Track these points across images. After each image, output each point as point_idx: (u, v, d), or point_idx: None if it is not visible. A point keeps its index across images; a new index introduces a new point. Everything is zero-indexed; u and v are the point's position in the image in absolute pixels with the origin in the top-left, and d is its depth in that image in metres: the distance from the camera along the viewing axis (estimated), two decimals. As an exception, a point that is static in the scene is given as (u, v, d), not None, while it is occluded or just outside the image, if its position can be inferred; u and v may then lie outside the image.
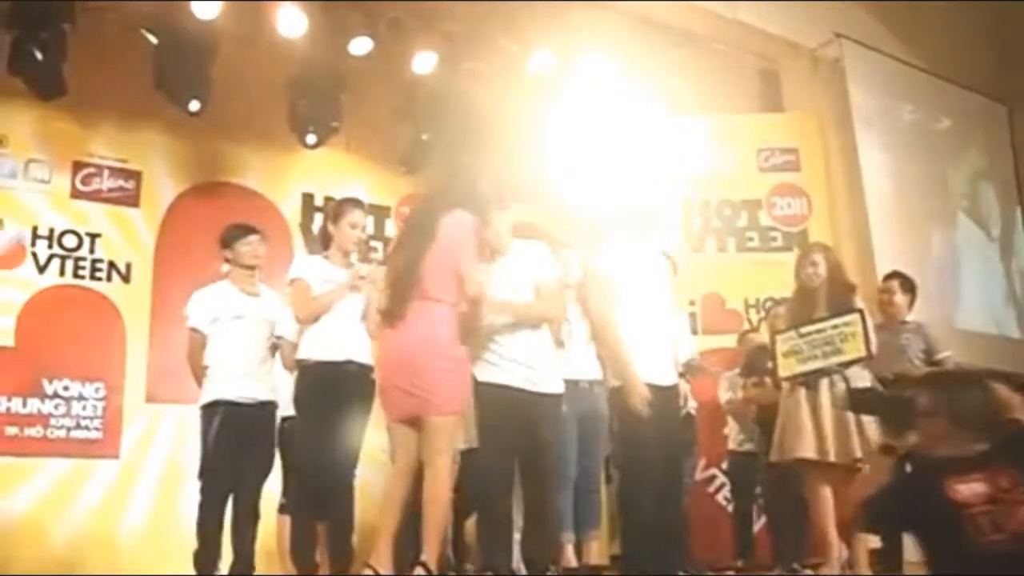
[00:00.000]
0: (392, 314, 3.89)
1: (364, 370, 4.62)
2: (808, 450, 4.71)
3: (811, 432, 4.73)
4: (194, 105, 6.60)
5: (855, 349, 4.78)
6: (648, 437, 4.40)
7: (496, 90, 7.28)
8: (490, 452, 4.15)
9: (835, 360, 4.78)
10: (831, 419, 4.70)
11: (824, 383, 4.80)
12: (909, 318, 5.59)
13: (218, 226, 5.18)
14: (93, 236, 6.68)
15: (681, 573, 4.51)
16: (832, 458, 4.65)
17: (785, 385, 4.98)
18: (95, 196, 6.74)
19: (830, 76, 7.79)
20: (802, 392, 4.83)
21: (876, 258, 7.27)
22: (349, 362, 4.57)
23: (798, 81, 7.97)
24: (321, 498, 4.52)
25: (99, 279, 6.65)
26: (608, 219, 4.75)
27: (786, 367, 4.92)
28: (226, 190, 7.12)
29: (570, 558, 4.81)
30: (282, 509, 5.17)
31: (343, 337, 4.59)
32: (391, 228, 7.64)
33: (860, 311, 4.84)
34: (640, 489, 4.42)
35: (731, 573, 5.11)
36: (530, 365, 4.22)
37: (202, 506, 4.66)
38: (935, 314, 7.66)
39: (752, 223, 7.56)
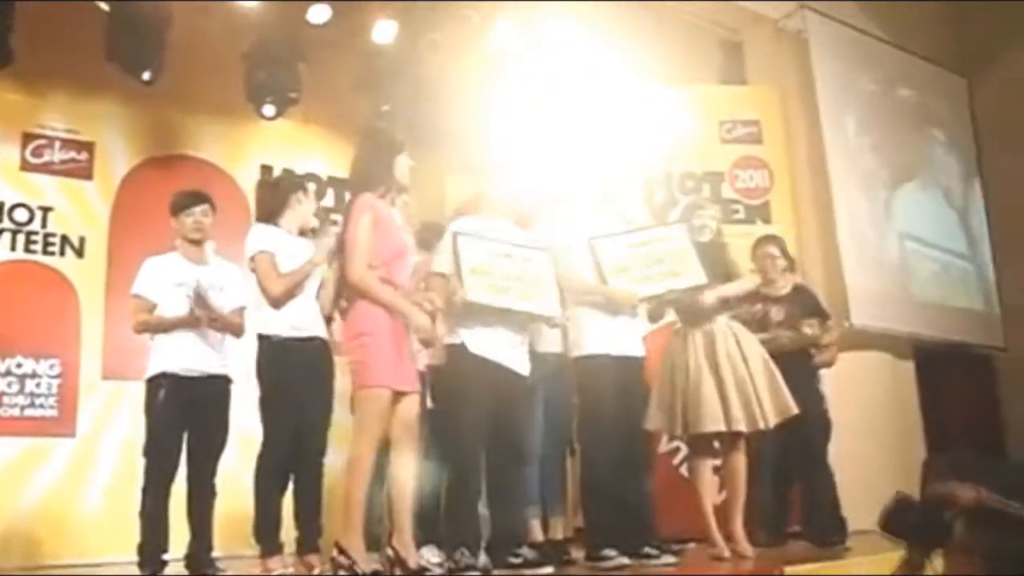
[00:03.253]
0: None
1: (327, 346, 4.58)
2: (717, 422, 4.54)
3: (716, 401, 4.55)
4: (147, 75, 6.42)
5: (691, 272, 4.58)
6: (608, 409, 4.45)
7: (458, 60, 7.17)
8: (465, 424, 4.10)
9: (672, 284, 4.54)
10: (734, 384, 4.56)
11: (720, 336, 4.64)
12: (788, 287, 5.46)
13: (171, 200, 5.06)
14: (45, 210, 6.52)
15: (648, 548, 4.48)
16: (742, 427, 4.54)
17: (673, 337, 4.77)
18: (46, 168, 6.58)
19: (793, 47, 7.76)
20: (698, 347, 4.65)
21: (837, 230, 7.30)
22: (314, 338, 4.50)
23: (761, 52, 7.94)
24: (288, 476, 4.46)
25: (52, 254, 6.50)
26: (570, 191, 4.72)
27: (474, 287, 4.24)
28: (182, 162, 6.99)
29: (536, 533, 4.78)
30: None
31: (305, 312, 4.52)
32: (352, 201, 7.54)
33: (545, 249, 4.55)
34: (599, 462, 4.47)
35: (692, 545, 5.10)
36: (511, 341, 4.21)
37: (144, 490, 4.51)
38: (895, 286, 7.74)
39: (714, 195, 7.51)
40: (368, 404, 3.80)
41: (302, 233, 4.76)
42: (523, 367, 4.26)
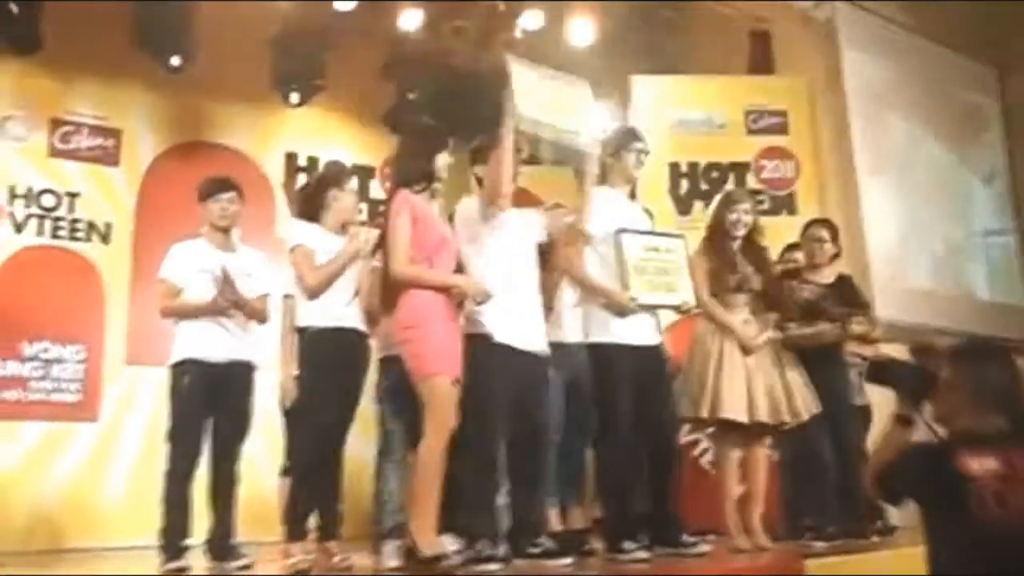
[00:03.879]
0: None
1: (365, 339, 4.59)
2: (741, 412, 4.56)
3: (743, 390, 4.58)
4: (175, 61, 6.49)
5: (683, 289, 4.58)
6: (625, 397, 4.42)
7: (484, 49, 7.16)
8: (489, 413, 4.05)
9: (670, 301, 4.57)
10: (761, 375, 4.61)
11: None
12: (833, 275, 5.37)
13: (198, 186, 5.07)
14: (72, 195, 6.59)
15: (687, 538, 4.49)
16: (764, 417, 4.57)
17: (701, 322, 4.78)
18: (73, 154, 6.64)
19: (822, 37, 7.67)
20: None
21: (864, 223, 7.23)
22: (354, 330, 4.51)
23: (789, 42, 7.85)
24: (323, 465, 4.48)
25: (78, 239, 6.57)
26: (593, 180, 4.68)
27: (637, 286, 4.47)
28: (208, 149, 7.03)
29: (554, 522, 4.77)
30: (285, 472, 5.08)
31: (344, 304, 4.51)
32: (376, 189, 7.55)
33: (682, 236, 4.74)
34: (617, 452, 4.44)
35: (711, 537, 5.06)
36: (531, 321, 4.20)
37: (168, 474, 4.52)
38: (923, 279, 7.65)
39: (740, 186, 7.47)
40: (433, 393, 3.82)
41: (344, 229, 4.73)
42: (542, 346, 4.25)
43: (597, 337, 4.53)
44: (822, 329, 5.05)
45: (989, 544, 2.47)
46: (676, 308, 4.69)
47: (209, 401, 4.57)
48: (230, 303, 4.58)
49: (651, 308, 4.57)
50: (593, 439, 4.87)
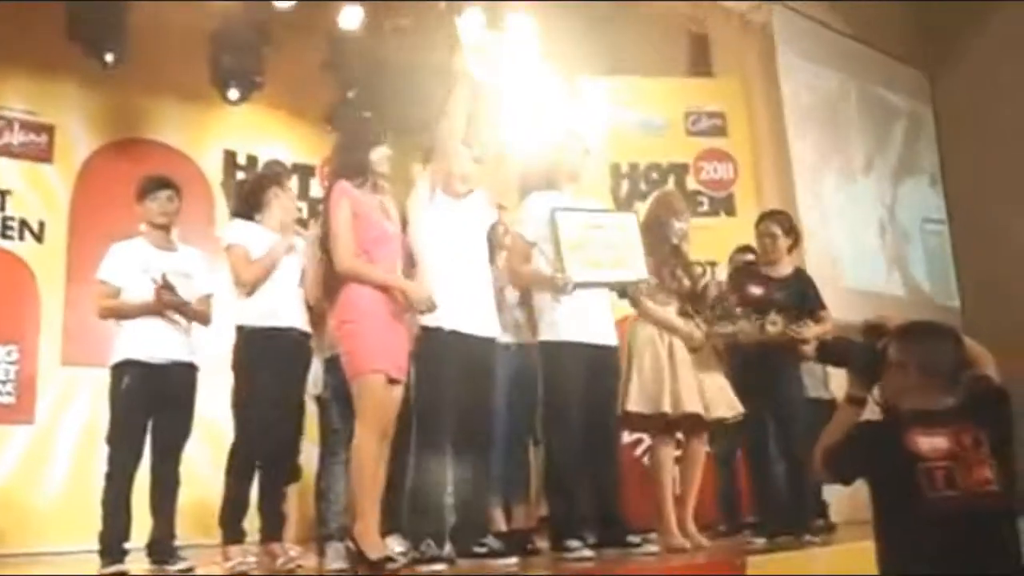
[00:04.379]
0: None
1: (305, 338, 4.59)
2: (696, 404, 4.56)
3: (695, 383, 4.58)
4: (110, 57, 6.38)
5: (635, 266, 4.51)
6: (574, 396, 4.43)
7: (425, 47, 7.15)
8: (438, 411, 4.07)
9: (618, 277, 4.49)
10: (704, 373, 4.62)
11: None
12: (789, 267, 5.29)
13: (135, 184, 5.00)
14: (3, 193, 6.44)
15: (631, 537, 4.51)
16: (721, 412, 4.60)
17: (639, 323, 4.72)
18: (5, 151, 6.51)
19: (759, 40, 7.80)
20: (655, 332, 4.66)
21: (802, 224, 7.35)
22: (292, 329, 4.50)
23: (727, 44, 7.96)
24: (262, 467, 4.49)
25: (10, 238, 6.43)
26: (531, 180, 4.71)
27: (574, 264, 4.35)
28: (145, 147, 6.93)
29: (499, 522, 4.80)
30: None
31: (284, 303, 4.51)
32: (316, 189, 7.51)
33: (635, 214, 4.65)
34: (562, 450, 4.45)
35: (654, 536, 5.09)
36: (475, 308, 4.19)
37: (108, 477, 4.47)
38: (858, 278, 7.83)
39: (679, 187, 7.52)
40: (364, 392, 3.78)
41: (283, 228, 4.72)
42: (494, 330, 4.27)
43: (547, 335, 4.51)
44: (742, 328, 4.88)
45: (939, 523, 2.49)
46: (625, 287, 4.61)
47: (150, 403, 4.52)
48: (171, 307, 4.54)
49: (592, 286, 4.46)
50: (539, 437, 4.92)
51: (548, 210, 4.47)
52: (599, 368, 4.52)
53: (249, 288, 4.47)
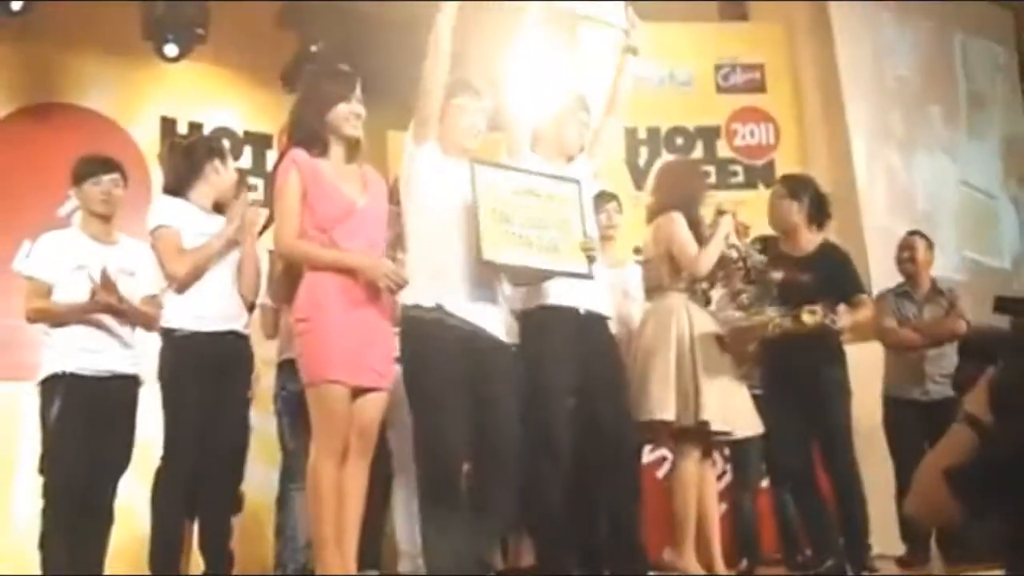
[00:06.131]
0: None
1: (243, 342, 4.55)
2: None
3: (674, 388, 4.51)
4: (16, 5, 6.31)
5: (572, 253, 4.19)
6: (562, 370, 4.27)
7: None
8: (445, 416, 3.88)
9: (550, 265, 4.13)
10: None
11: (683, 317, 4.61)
12: (814, 243, 5.12)
13: (53, 158, 5.00)
14: None
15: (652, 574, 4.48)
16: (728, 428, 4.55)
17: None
18: None
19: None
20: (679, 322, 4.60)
21: (859, 199, 7.31)
22: (227, 333, 4.46)
23: (764, -16, 7.98)
24: (196, 494, 4.42)
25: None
26: (525, 141, 4.65)
27: (491, 242, 3.92)
28: (63, 112, 6.89)
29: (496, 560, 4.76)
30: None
31: (217, 301, 4.45)
32: (273, 160, 7.47)
33: (576, 181, 4.30)
34: (546, 458, 4.24)
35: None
36: (490, 299, 4.07)
37: (46, 511, 4.43)
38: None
39: (708, 155, 7.54)
40: (317, 405, 3.71)
41: (218, 208, 4.68)
42: (503, 332, 4.11)
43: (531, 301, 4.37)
44: (772, 319, 4.68)
45: None
46: (548, 276, 4.28)
47: (87, 423, 4.45)
48: (111, 309, 4.50)
49: (510, 270, 4.15)
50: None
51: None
52: (588, 337, 4.37)
53: (181, 283, 4.41)
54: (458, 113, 4.15)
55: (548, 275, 4.20)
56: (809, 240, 5.12)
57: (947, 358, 5.74)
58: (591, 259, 4.17)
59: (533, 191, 4.14)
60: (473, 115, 4.16)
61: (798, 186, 5.21)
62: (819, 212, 5.17)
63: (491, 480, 3.96)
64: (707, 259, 4.63)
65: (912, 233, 6.14)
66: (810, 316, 4.54)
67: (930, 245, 6.09)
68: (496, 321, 4.05)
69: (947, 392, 5.49)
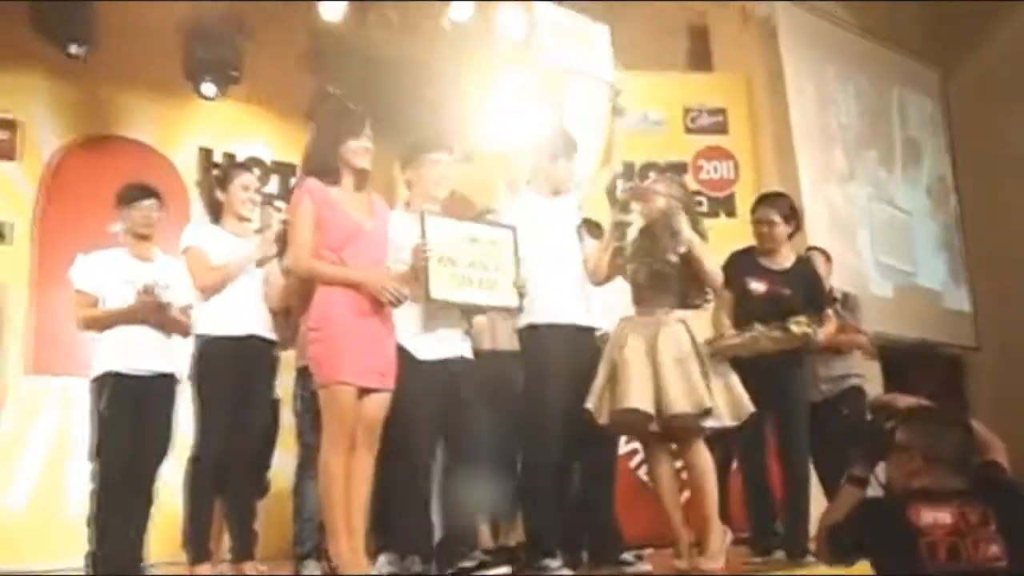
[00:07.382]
0: None
1: (267, 345, 4.65)
2: (642, 400, 4.18)
3: (648, 381, 4.20)
4: (75, 49, 6.41)
5: (505, 290, 4.29)
6: (554, 380, 4.38)
7: (411, 40, 7.21)
8: (416, 428, 4.14)
9: (486, 300, 4.28)
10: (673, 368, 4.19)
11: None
12: (791, 258, 5.02)
13: (106, 183, 5.08)
14: (-36, 192, 6.48)
15: (627, 556, 4.54)
16: (675, 410, 4.14)
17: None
18: (-34, 147, 6.52)
19: (761, 34, 7.87)
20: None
21: (808, 227, 7.39)
22: (251, 336, 4.56)
23: (728, 38, 8.05)
24: (225, 482, 4.54)
25: (-27, 239, 6.46)
26: (521, 176, 4.76)
27: (439, 280, 4.09)
28: (115, 144, 6.94)
29: (486, 539, 4.86)
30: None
31: (243, 310, 4.55)
32: (298, 188, 7.54)
33: (512, 228, 4.37)
34: (540, 456, 4.40)
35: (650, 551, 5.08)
36: (456, 333, 4.32)
37: (97, 494, 4.56)
38: (865, 286, 7.90)
39: (678, 187, 7.61)
40: (329, 404, 3.81)
41: (247, 231, 4.77)
42: (468, 351, 4.39)
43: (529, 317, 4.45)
44: (762, 333, 4.44)
45: None
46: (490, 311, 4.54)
47: (132, 417, 4.60)
48: (154, 313, 4.62)
49: (452, 306, 4.29)
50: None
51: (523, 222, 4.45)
52: (577, 350, 4.46)
53: (206, 294, 4.53)
54: (431, 166, 4.35)
55: (487, 309, 4.48)
56: (786, 255, 5.06)
57: (834, 361, 5.60)
58: (522, 295, 4.33)
59: (475, 238, 4.31)
60: (444, 168, 4.37)
61: (783, 205, 5.14)
62: (797, 230, 5.24)
63: (457, 475, 4.24)
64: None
65: (811, 248, 5.96)
66: (798, 327, 4.41)
67: (828, 259, 5.94)
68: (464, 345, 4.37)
69: (831, 393, 5.54)
